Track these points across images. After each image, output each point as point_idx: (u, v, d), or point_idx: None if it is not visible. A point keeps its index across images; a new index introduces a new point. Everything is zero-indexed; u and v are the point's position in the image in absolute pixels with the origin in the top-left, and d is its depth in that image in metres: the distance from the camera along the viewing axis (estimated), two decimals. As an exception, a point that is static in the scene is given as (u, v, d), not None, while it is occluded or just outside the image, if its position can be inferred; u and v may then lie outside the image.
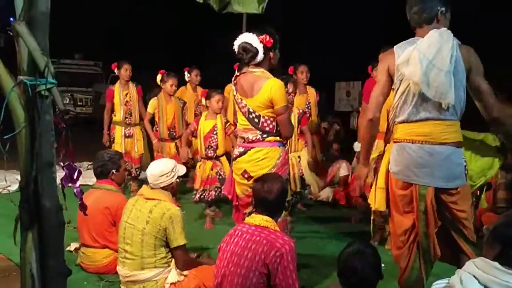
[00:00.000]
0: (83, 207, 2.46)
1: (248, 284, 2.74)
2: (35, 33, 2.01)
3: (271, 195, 2.95)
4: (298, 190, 5.15)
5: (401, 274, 3.15)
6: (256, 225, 2.88)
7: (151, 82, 6.89)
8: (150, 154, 7.00)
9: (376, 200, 3.27)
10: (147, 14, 19.88)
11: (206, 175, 5.49)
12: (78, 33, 20.07)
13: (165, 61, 11.86)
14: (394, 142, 3.12)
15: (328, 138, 8.22)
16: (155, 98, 6.51)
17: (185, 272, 3.48)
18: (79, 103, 18.46)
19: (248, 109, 3.53)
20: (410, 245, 3.08)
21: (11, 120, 2.07)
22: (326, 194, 7.03)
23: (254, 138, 3.53)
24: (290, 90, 4.95)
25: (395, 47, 3.07)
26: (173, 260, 3.52)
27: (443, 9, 2.99)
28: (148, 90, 7.31)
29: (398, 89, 3.02)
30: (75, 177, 2.27)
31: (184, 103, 7.31)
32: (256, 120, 3.52)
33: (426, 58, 2.85)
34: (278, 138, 3.55)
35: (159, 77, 6.48)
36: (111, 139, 6.82)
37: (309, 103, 6.41)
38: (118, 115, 6.79)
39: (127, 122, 6.79)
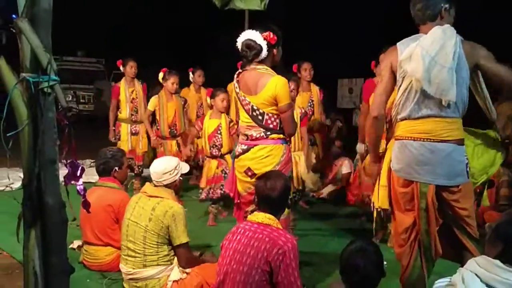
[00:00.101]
0: (86, 205, 2.46)
1: (251, 281, 2.74)
2: (37, 30, 2.00)
3: (274, 192, 2.95)
4: (300, 187, 5.15)
5: (403, 272, 3.15)
6: (259, 222, 2.88)
7: (153, 80, 6.89)
8: (152, 151, 7.01)
9: (379, 198, 3.27)
10: (150, 12, 19.89)
11: (212, 173, 5.51)
12: (81, 30, 20.10)
13: (167, 59, 11.87)
14: (396, 139, 3.11)
15: (330, 135, 8.21)
16: (156, 96, 6.52)
17: (187, 270, 3.48)
18: (81, 100, 18.54)
19: (252, 106, 3.52)
20: (412, 243, 3.08)
21: (14, 118, 2.07)
22: (328, 191, 7.03)
23: (257, 136, 3.53)
24: (292, 87, 4.95)
25: (398, 43, 3.07)
26: (176, 258, 3.53)
27: (447, 6, 2.98)
28: (150, 87, 7.32)
29: (400, 86, 3.02)
30: (78, 174, 2.27)
31: (185, 100, 7.31)
32: (260, 117, 3.51)
33: (429, 54, 2.84)
34: (281, 135, 3.55)
35: (161, 75, 6.49)
36: (117, 137, 6.84)
37: (312, 101, 6.41)
38: (124, 112, 6.81)
39: (133, 119, 6.80)
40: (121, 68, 6.88)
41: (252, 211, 3.36)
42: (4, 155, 2.03)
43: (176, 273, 3.47)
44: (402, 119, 3.05)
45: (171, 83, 6.37)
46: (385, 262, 2.53)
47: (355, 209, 6.13)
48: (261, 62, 3.53)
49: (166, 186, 3.62)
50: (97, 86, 18.66)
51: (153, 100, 6.50)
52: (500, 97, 5.37)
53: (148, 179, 4.03)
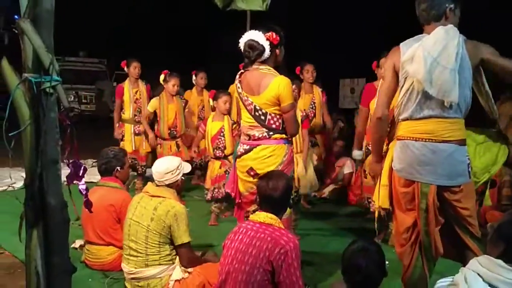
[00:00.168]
0: (88, 204, 2.47)
1: (252, 281, 2.74)
2: (40, 30, 2.01)
3: (276, 192, 2.95)
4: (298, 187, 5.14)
5: (404, 272, 3.15)
6: (261, 222, 2.88)
7: (155, 81, 6.91)
8: (153, 152, 7.03)
9: (380, 197, 3.27)
10: (151, 13, 19.89)
11: (215, 174, 5.54)
12: (83, 30, 20.11)
13: (168, 60, 11.87)
14: (398, 139, 3.11)
15: (332, 135, 8.22)
16: (157, 97, 6.54)
17: (189, 269, 3.49)
18: (83, 101, 18.57)
19: (255, 106, 3.52)
20: (413, 243, 3.08)
21: (16, 118, 2.07)
22: (330, 191, 7.03)
23: (260, 136, 3.53)
24: (295, 90, 4.96)
25: (401, 44, 3.06)
26: (178, 258, 3.53)
27: (452, 6, 2.96)
28: (152, 88, 7.34)
29: (402, 86, 3.01)
30: (80, 174, 2.28)
31: (186, 101, 7.34)
32: (262, 117, 3.52)
33: (431, 55, 2.84)
34: (284, 135, 3.55)
35: (162, 77, 6.51)
36: (121, 136, 6.86)
37: (314, 103, 6.42)
38: (127, 113, 6.82)
39: (136, 119, 6.81)
40: (125, 69, 6.91)
41: (254, 211, 3.36)
42: (7, 155, 2.04)
43: (178, 272, 3.47)
44: (404, 120, 3.04)
45: (171, 85, 6.39)
46: (387, 262, 2.53)
47: (357, 209, 6.13)
48: (264, 62, 3.53)
49: (168, 186, 3.62)
50: (98, 87, 18.69)
51: (154, 101, 6.52)
52: (502, 97, 5.37)
53: (150, 179, 4.04)
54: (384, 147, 3.38)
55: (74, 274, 2.30)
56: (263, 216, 2.90)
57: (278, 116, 3.51)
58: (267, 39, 3.47)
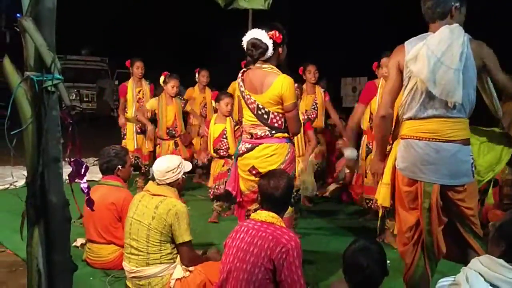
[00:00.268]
0: (90, 203, 2.47)
1: (254, 279, 2.74)
2: (41, 29, 2.01)
3: (277, 191, 2.95)
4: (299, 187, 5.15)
5: (406, 271, 3.15)
6: (262, 221, 2.88)
7: (157, 80, 6.92)
8: (153, 152, 7.05)
9: (381, 196, 3.27)
10: (153, 11, 19.88)
11: (217, 172, 5.56)
12: (85, 29, 20.09)
13: (170, 59, 11.89)
14: (401, 138, 3.11)
15: (334, 134, 8.21)
16: (156, 98, 6.56)
17: (190, 268, 3.48)
18: (85, 99, 18.55)
19: (258, 105, 3.52)
20: (415, 242, 3.07)
21: (18, 116, 2.08)
22: (331, 189, 7.03)
23: (262, 134, 3.53)
24: (296, 85, 4.95)
25: (405, 42, 3.04)
26: (179, 256, 3.53)
27: (457, 4, 2.94)
28: (154, 88, 7.36)
29: (406, 86, 3.00)
30: (82, 172, 2.28)
31: (186, 101, 7.36)
32: (265, 116, 3.51)
33: (435, 55, 2.82)
34: (286, 134, 3.55)
35: (162, 78, 6.53)
36: (122, 135, 6.89)
37: (316, 103, 6.42)
38: (130, 112, 6.86)
39: (139, 118, 6.82)
40: (130, 68, 6.94)
41: (255, 210, 3.36)
42: (8, 153, 2.04)
43: (179, 271, 3.47)
44: (408, 119, 3.03)
45: (171, 86, 6.40)
46: (388, 261, 2.53)
47: (358, 208, 6.12)
48: (267, 61, 3.52)
49: (169, 184, 3.62)
50: (99, 85, 18.67)
51: (153, 101, 6.54)
52: (506, 95, 5.35)
53: (151, 178, 4.04)
54: (388, 146, 3.37)
55: (76, 273, 2.31)
56: (264, 215, 2.90)
57: (280, 115, 3.51)
58: (270, 38, 3.47)
